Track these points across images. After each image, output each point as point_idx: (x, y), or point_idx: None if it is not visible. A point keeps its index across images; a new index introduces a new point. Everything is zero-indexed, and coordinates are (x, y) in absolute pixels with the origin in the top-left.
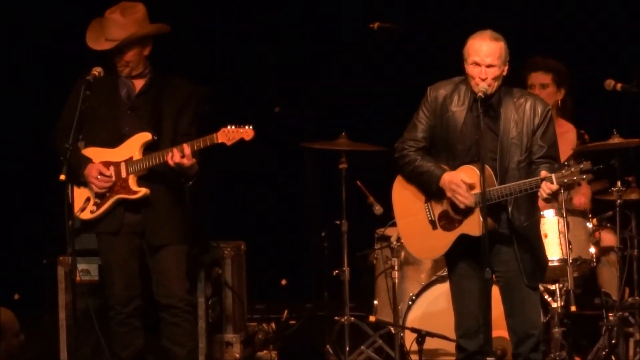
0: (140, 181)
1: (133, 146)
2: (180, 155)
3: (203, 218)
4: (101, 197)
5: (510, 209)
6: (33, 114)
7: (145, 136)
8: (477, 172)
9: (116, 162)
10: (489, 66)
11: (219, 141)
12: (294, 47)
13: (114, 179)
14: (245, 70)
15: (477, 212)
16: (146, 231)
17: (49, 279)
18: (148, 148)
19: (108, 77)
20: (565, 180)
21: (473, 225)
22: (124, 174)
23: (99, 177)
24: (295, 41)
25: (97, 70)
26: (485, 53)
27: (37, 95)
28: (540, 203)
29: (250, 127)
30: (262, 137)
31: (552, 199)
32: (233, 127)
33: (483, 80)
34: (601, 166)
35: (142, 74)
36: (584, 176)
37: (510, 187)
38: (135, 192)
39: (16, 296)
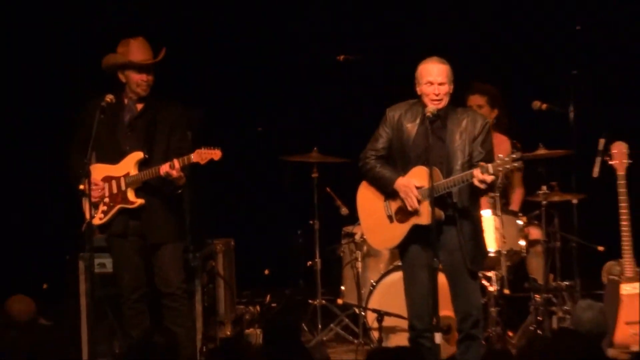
0: (139, 192)
1: (129, 163)
2: (170, 167)
3: (200, 220)
4: (107, 206)
5: (454, 198)
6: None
7: (138, 155)
8: (426, 170)
9: (117, 177)
10: (440, 84)
11: (194, 160)
12: (273, 76)
13: (112, 189)
14: (232, 95)
15: (427, 204)
16: (146, 232)
17: (72, 271)
18: (142, 164)
19: (116, 104)
20: (500, 169)
21: (423, 216)
22: (123, 187)
23: (95, 187)
24: (274, 71)
25: (109, 97)
26: (436, 73)
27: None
28: (483, 202)
29: (219, 149)
30: (248, 151)
31: (488, 188)
32: (204, 149)
33: (436, 95)
34: (529, 154)
35: (145, 97)
36: (516, 163)
37: (454, 179)
38: (132, 203)
39: (45, 286)
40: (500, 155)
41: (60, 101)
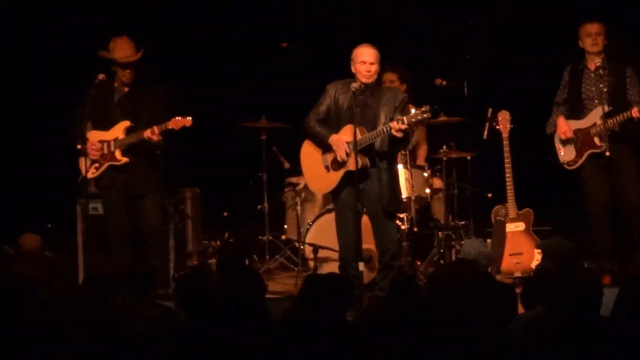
0: (125, 153)
1: (118, 129)
2: (151, 132)
3: (173, 174)
4: (98, 163)
5: (376, 147)
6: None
7: (126, 123)
8: (353, 127)
9: (108, 140)
10: (371, 63)
11: (170, 127)
12: (231, 58)
13: (104, 150)
14: (200, 75)
15: (353, 154)
16: (132, 185)
17: (71, 213)
18: (129, 131)
19: (108, 82)
20: (413, 120)
21: (351, 164)
22: (112, 149)
23: (93, 148)
24: (232, 54)
25: (101, 76)
26: (368, 55)
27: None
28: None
29: (190, 118)
30: (212, 119)
31: (404, 139)
32: (179, 117)
33: (368, 72)
34: (436, 107)
35: (131, 83)
36: (425, 115)
37: (376, 131)
38: (119, 160)
39: (49, 225)
40: (413, 110)
41: (66, 78)
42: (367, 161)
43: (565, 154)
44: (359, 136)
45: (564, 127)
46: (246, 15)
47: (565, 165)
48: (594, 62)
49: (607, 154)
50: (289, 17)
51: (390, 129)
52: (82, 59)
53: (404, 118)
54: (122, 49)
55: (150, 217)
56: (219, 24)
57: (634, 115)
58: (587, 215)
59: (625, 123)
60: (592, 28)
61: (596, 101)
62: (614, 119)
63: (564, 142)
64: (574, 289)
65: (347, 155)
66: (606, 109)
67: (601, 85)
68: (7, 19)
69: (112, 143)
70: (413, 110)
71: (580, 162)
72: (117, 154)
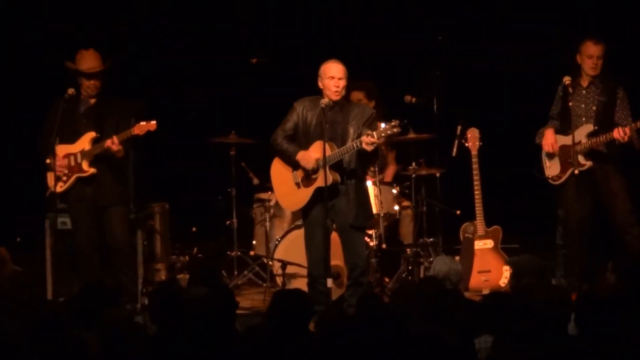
0: (92, 164)
1: (84, 141)
2: (111, 142)
3: (142, 189)
4: (66, 177)
5: (344, 165)
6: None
7: (91, 134)
8: (322, 144)
9: (74, 152)
10: (340, 79)
11: (135, 132)
12: (200, 73)
13: (70, 163)
14: (169, 88)
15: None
16: (97, 197)
17: (40, 228)
18: (95, 142)
19: (76, 96)
20: (383, 134)
21: (322, 180)
22: (79, 160)
23: (59, 164)
24: (202, 69)
25: (71, 91)
26: (336, 70)
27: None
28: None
29: (154, 121)
30: (181, 133)
31: (374, 154)
32: (144, 122)
33: (337, 87)
34: (405, 121)
35: (97, 94)
36: (395, 129)
37: (346, 147)
38: (86, 172)
39: (18, 239)
40: (383, 124)
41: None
42: (337, 176)
43: (551, 168)
44: (328, 152)
45: (550, 139)
46: (217, 30)
47: (550, 180)
48: (587, 79)
49: (576, 172)
50: (259, 32)
51: (361, 143)
52: (49, 72)
53: (374, 132)
54: (88, 61)
55: (116, 231)
56: (189, 38)
57: (615, 136)
58: (564, 233)
59: (610, 143)
60: (595, 51)
61: (584, 119)
62: (598, 139)
63: (550, 156)
64: (543, 306)
65: (317, 168)
66: (591, 127)
67: (590, 104)
68: None
69: (78, 155)
70: (383, 125)
71: (564, 177)
72: (84, 165)
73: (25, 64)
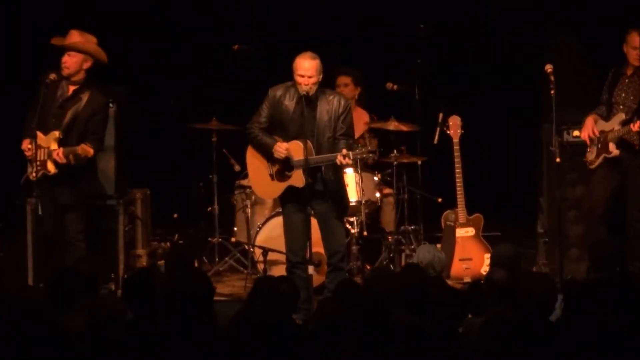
0: (56, 163)
1: (51, 139)
2: (56, 154)
3: (124, 175)
4: (37, 168)
5: (323, 169)
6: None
7: (55, 134)
8: (301, 145)
9: (44, 147)
10: (309, 77)
11: (78, 152)
12: (183, 60)
13: (40, 157)
14: (151, 75)
15: (299, 172)
16: (57, 195)
17: (21, 213)
18: (60, 142)
19: (58, 80)
20: (358, 157)
21: (299, 181)
22: (45, 157)
23: (28, 148)
24: (184, 56)
25: (52, 76)
26: (306, 68)
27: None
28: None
29: (92, 151)
30: (162, 119)
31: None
32: (87, 146)
33: (306, 84)
34: (382, 149)
35: (77, 82)
36: (370, 154)
37: (322, 158)
38: (49, 171)
39: None
40: (360, 146)
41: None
42: (310, 180)
43: (590, 152)
44: (309, 148)
45: (588, 126)
46: (199, 16)
47: (587, 164)
48: (632, 69)
49: (603, 157)
50: (241, 18)
51: (336, 159)
52: (28, 55)
53: (350, 154)
54: (68, 37)
55: (69, 227)
56: (172, 24)
57: (632, 128)
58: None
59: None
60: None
61: (621, 107)
62: (625, 128)
63: (592, 142)
64: (528, 293)
65: (291, 166)
66: (623, 116)
67: (630, 94)
68: None
69: (46, 152)
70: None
71: (596, 163)
72: (49, 165)
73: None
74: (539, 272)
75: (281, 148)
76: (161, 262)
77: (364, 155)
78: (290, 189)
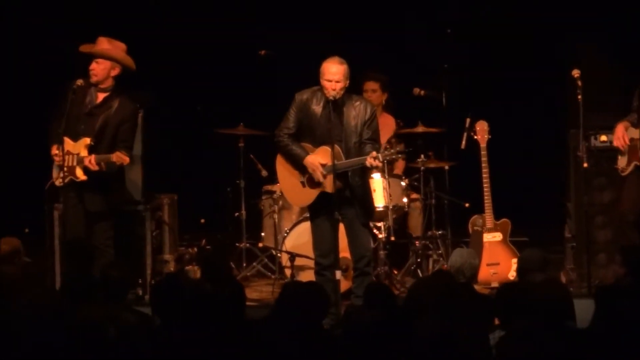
0: (85, 169)
1: (81, 145)
2: (89, 162)
3: (151, 180)
4: (64, 174)
5: (350, 175)
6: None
7: (86, 140)
8: (330, 150)
9: (73, 153)
10: (337, 81)
11: (113, 160)
12: (210, 66)
13: (69, 162)
14: (179, 80)
15: (330, 177)
16: (85, 202)
17: (49, 218)
18: (91, 149)
19: (85, 87)
20: (387, 158)
21: (328, 186)
22: (74, 163)
23: (57, 155)
24: (212, 62)
25: (79, 82)
26: (334, 72)
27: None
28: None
29: (128, 158)
30: (190, 125)
31: (377, 169)
32: (122, 153)
33: (333, 89)
34: (410, 149)
35: (105, 89)
36: (400, 155)
37: (351, 162)
38: (78, 178)
39: (26, 230)
40: (389, 148)
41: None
42: (340, 184)
43: (621, 160)
44: (337, 152)
45: (618, 133)
46: (226, 21)
47: (619, 171)
48: None
49: (633, 165)
50: (268, 24)
51: (365, 161)
52: (55, 62)
53: (379, 155)
54: (100, 44)
55: (98, 234)
56: (199, 29)
57: None
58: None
59: None
60: None
61: None
62: None
63: (622, 149)
64: (542, 300)
65: (324, 177)
66: None
67: None
68: None
69: (75, 158)
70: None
71: (627, 170)
72: (78, 171)
73: (28, 52)
74: (550, 279)
75: (315, 167)
76: (189, 268)
77: (393, 157)
78: (320, 198)
